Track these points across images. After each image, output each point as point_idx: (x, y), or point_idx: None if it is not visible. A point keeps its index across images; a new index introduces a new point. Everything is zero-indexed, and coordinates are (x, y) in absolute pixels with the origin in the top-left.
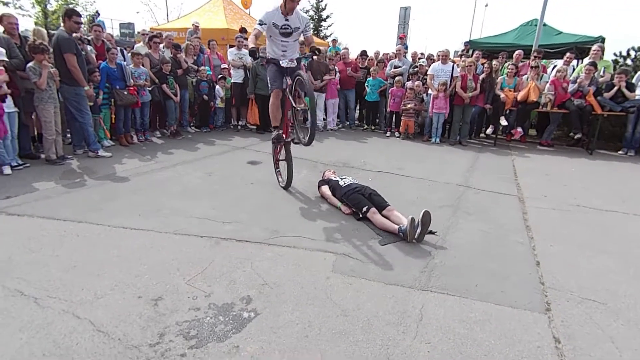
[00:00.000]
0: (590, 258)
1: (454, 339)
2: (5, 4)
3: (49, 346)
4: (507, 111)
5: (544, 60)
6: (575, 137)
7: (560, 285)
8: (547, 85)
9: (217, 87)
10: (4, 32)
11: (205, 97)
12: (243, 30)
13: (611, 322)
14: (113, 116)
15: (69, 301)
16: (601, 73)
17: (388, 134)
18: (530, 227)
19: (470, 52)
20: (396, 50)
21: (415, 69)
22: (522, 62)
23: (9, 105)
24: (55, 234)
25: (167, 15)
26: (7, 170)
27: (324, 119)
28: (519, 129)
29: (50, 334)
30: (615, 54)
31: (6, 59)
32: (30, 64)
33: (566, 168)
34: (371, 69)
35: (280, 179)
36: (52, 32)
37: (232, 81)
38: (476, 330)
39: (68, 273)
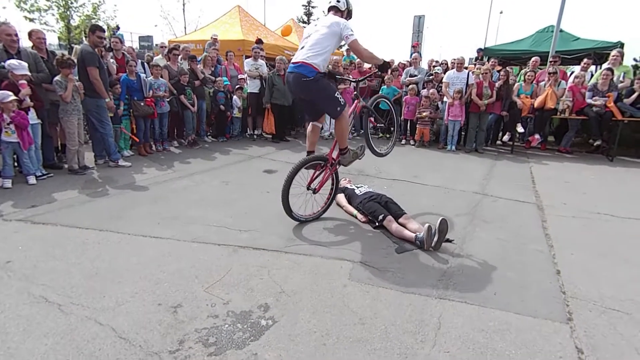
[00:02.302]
0: (613, 267)
1: (474, 349)
2: (31, 20)
3: (72, 352)
4: (528, 118)
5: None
6: (595, 144)
7: (582, 294)
8: (565, 91)
9: (235, 97)
10: (32, 47)
11: (222, 107)
12: (259, 41)
13: (636, 332)
14: (133, 126)
15: (91, 308)
16: (621, 78)
17: (403, 142)
18: (549, 236)
19: (485, 59)
20: (412, 59)
21: (430, 77)
22: (539, 69)
23: (32, 117)
24: (78, 242)
25: (185, 27)
26: (32, 180)
27: None
28: (537, 136)
29: (73, 340)
30: (635, 59)
31: (29, 73)
32: (57, 78)
33: (586, 175)
34: (385, 78)
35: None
36: (75, 45)
37: (248, 91)
38: (496, 340)
39: (90, 280)
